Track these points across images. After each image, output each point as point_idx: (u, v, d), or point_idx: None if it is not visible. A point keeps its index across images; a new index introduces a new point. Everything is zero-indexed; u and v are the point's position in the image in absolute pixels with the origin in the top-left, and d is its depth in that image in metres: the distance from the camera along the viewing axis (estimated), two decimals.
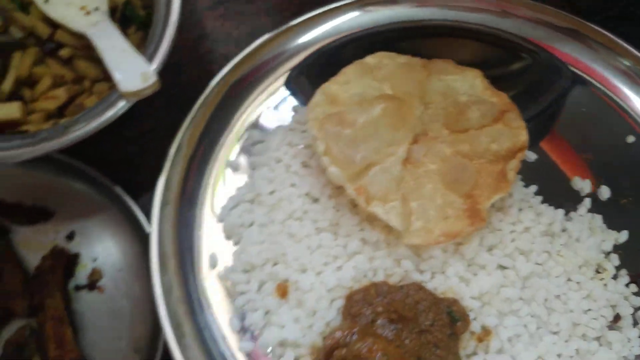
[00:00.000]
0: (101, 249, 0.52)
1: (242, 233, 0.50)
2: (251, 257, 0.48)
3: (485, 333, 0.46)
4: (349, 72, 0.55)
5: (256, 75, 0.58)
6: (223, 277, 0.48)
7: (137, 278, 0.50)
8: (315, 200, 0.51)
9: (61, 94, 0.51)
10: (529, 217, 0.51)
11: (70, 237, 0.52)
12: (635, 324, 0.48)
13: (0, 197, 0.53)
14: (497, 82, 0.55)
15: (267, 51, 0.59)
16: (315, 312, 0.45)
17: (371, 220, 0.49)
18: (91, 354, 0.49)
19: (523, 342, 0.45)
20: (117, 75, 0.45)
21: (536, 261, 0.49)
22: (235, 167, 0.55)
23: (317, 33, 0.61)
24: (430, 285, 0.47)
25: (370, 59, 0.56)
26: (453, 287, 0.46)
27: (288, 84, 0.59)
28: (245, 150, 0.55)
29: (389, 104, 0.52)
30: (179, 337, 0.44)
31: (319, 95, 0.53)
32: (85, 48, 0.53)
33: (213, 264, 0.49)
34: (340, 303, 0.46)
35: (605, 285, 0.49)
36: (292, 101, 0.58)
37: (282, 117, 0.57)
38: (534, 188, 0.53)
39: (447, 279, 0.47)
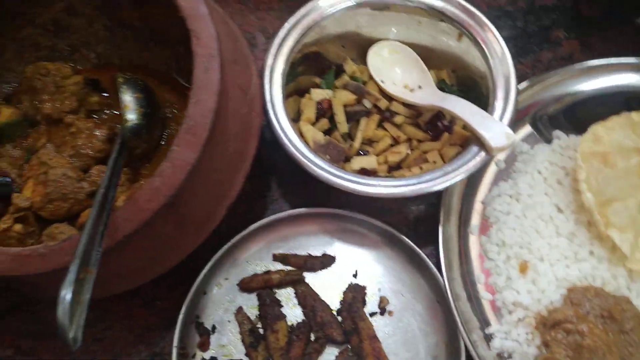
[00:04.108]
0: (382, 280, 0.65)
1: (500, 217, 0.68)
2: (505, 236, 0.66)
3: None
4: (615, 120, 0.69)
5: None
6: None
7: (417, 298, 0.64)
8: (560, 211, 0.67)
9: (403, 149, 0.68)
10: None
11: (355, 275, 0.66)
12: None
13: (294, 257, 0.67)
14: None
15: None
16: (544, 291, 0.63)
17: (601, 239, 0.65)
18: None
19: None
20: (486, 135, 0.59)
21: None
22: (499, 165, 0.72)
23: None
24: (635, 302, 0.62)
25: (635, 115, 0.69)
26: None
27: (534, 122, 0.75)
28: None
29: None
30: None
31: (589, 133, 0.68)
32: (412, 116, 0.70)
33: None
34: (563, 291, 0.62)
35: None
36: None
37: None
38: None
39: None
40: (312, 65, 0.76)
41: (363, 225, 0.67)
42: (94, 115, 0.71)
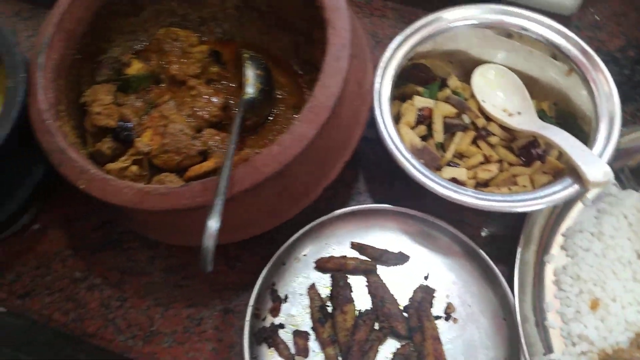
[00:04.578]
0: (451, 287, 0.67)
1: (578, 252, 0.69)
2: (581, 271, 0.67)
3: None
4: None
5: None
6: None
7: (483, 312, 0.66)
8: None
9: (493, 168, 0.70)
10: None
11: (426, 277, 0.68)
12: None
13: (371, 248, 0.69)
14: None
15: None
16: (612, 331, 0.63)
17: None
18: None
19: None
20: (585, 168, 0.60)
21: None
22: (585, 202, 0.73)
23: None
24: None
25: None
26: None
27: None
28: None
29: None
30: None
31: None
32: (507, 139, 0.72)
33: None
34: (631, 335, 0.63)
35: None
36: None
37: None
38: None
39: None
40: (416, 75, 0.79)
41: (442, 232, 0.70)
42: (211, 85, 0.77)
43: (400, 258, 0.70)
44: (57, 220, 0.76)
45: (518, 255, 0.67)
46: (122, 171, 0.66)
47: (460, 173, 0.71)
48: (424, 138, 0.75)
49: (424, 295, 0.67)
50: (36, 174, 0.68)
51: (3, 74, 0.74)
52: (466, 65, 0.79)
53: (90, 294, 0.71)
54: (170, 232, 0.64)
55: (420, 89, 0.79)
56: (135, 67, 0.75)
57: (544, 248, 0.70)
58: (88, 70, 0.75)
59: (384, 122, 0.67)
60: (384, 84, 0.70)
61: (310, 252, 0.71)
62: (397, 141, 0.66)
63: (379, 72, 0.71)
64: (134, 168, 0.66)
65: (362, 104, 0.65)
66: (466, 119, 0.74)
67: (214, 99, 0.73)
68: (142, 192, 0.56)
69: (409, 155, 0.66)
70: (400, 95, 0.78)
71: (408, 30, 0.73)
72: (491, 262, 0.66)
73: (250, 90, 0.70)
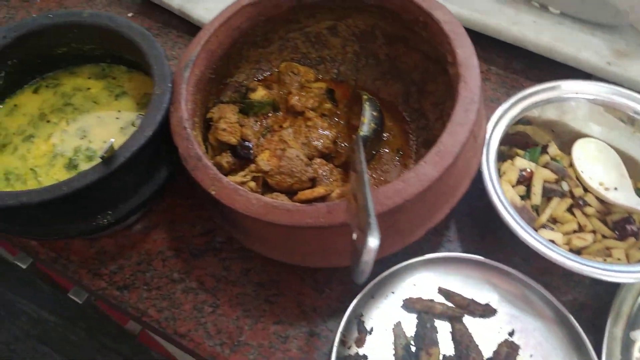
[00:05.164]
0: (537, 348, 0.68)
1: None
2: None
3: None
4: None
5: None
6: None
7: None
8: None
9: (588, 238, 0.71)
10: None
11: (511, 334, 0.69)
12: None
13: (458, 296, 0.71)
14: None
15: None
16: None
17: None
18: None
19: None
20: None
21: None
22: None
23: None
24: None
25: None
26: None
27: None
28: None
29: None
30: None
31: None
32: (602, 212, 0.74)
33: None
34: None
35: None
36: None
37: None
38: None
39: None
40: (516, 139, 0.83)
41: (532, 292, 0.71)
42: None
43: (487, 310, 0.71)
44: (163, 222, 0.81)
45: (607, 328, 0.67)
46: (242, 184, 0.71)
47: (557, 237, 0.73)
48: (521, 198, 0.77)
49: (509, 350, 0.67)
50: (158, 177, 0.73)
51: (139, 81, 0.82)
52: (565, 136, 0.82)
53: (185, 296, 0.75)
54: (278, 248, 0.67)
55: (520, 151, 0.82)
56: (260, 93, 0.82)
57: (631, 324, 0.70)
58: (216, 90, 0.81)
59: (490, 175, 0.71)
60: (492, 140, 0.74)
61: (398, 291, 0.73)
62: (502, 196, 0.69)
63: (490, 128, 0.75)
64: (252, 184, 0.71)
65: (474, 155, 0.69)
66: (565, 186, 0.77)
67: (327, 132, 0.78)
68: (270, 206, 0.60)
69: (512, 211, 0.68)
70: (500, 154, 0.81)
71: (520, 94, 0.77)
72: (582, 331, 0.67)
73: (365, 127, 0.75)
